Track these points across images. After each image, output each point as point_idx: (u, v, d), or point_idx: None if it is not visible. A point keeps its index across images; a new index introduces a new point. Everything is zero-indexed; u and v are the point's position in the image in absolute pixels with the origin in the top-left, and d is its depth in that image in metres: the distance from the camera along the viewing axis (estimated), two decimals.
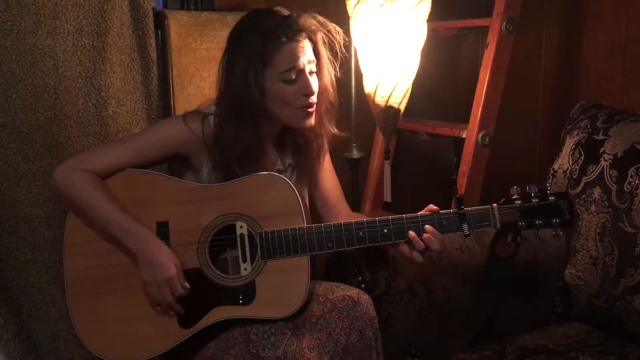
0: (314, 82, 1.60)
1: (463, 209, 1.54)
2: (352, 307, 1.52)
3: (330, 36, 1.63)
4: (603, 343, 1.76)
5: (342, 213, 1.78)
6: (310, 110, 1.61)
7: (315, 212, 1.77)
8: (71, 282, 1.59)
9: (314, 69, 1.61)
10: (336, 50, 1.65)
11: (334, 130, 1.74)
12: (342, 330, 1.49)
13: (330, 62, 1.65)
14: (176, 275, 1.51)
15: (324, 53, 1.63)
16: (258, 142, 1.62)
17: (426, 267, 1.81)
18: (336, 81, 1.69)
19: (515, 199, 1.54)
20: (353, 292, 1.56)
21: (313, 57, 1.60)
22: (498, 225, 1.53)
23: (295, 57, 1.56)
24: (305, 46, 1.58)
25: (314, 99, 1.61)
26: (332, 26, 1.64)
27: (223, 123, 1.60)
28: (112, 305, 1.57)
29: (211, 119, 1.62)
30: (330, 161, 1.80)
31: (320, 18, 1.62)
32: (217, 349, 1.51)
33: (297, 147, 1.71)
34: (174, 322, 1.55)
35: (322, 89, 1.64)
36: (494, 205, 1.54)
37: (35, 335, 2.04)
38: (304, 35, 1.58)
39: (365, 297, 1.55)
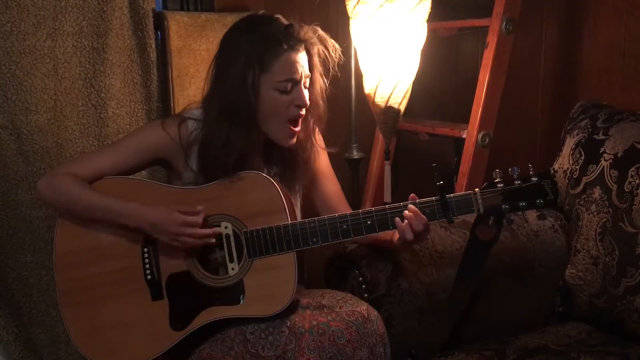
0: (307, 95, 1.60)
1: (445, 196, 1.53)
2: (362, 323, 1.52)
3: (327, 53, 1.61)
4: (604, 343, 1.76)
5: None
6: (295, 129, 1.60)
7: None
8: (63, 292, 1.59)
9: (307, 83, 1.61)
10: (329, 67, 1.63)
11: (322, 145, 1.74)
12: (350, 343, 1.48)
13: (322, 76, 1.64)
14: (181, 216, 1.50)
15: (318, 66, 1.62)
16: (249, 148, 1.60)
17: (427, 268, 1.81)
18: (335, 85, 1.67)
19: (498, 182, 1.52)
20: (362, 307, 1.56)
21: (308, 72, 1.60)
22: (482, 210, 1.51)
23: (294, 68, 1.55)
24: (303, 58, 1.57)
25: (303, 112, 1.60)
26: (332, 43, 1.63)
27: (212, 126, 1.58)
28: (104, 313, 1.57)
29: (190, 123, 1.61)
30: (330, 166, 1.79)
31: (322, 33, 1.61)
32: (215, 350, 1.51)
33: (283, 159, 1.68)
34: (166, 326, 1.55)
35: (313, 103, 1.63)
36: (477, 190, 1.52)
37: (35, 337, 2.04)
38: (303, 46, 1.58)
39: (374, 313, 1.56)
